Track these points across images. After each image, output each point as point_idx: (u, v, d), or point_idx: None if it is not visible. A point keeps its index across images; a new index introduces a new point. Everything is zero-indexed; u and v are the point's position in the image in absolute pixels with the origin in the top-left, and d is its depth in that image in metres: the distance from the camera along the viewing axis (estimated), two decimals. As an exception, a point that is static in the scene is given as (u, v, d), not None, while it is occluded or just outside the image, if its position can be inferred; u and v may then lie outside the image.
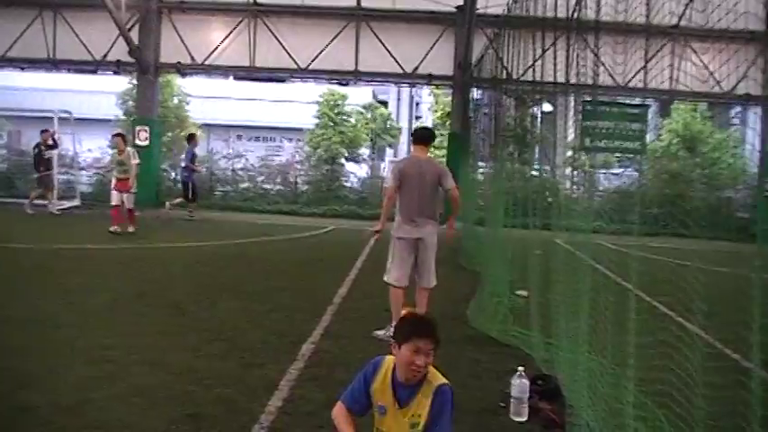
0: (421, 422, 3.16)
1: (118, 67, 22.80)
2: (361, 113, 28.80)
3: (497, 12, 15.69)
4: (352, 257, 12.41)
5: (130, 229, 14.28)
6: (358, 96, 29.25)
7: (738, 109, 25.88)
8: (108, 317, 7.21)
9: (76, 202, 20.48)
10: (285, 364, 5.72)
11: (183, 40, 22.25)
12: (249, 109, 32.24)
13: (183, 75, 23.84)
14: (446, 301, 8.29)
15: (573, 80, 5.70)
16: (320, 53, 22.01)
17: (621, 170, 24.67)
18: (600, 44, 5.19)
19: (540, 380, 5.17)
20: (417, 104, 39.40)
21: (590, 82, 5.28)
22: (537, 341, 6.26)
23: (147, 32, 21.90)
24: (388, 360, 3.31)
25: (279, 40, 22.08)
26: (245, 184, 24.55)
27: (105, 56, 22.29)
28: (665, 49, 18.77)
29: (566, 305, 5.23)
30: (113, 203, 14.29)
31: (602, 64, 5.34)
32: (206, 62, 22.51)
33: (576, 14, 5.75)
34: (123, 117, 25.60)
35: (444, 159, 21.27)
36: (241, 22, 22.22)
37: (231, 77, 29.29)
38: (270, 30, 22.15)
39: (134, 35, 21.48)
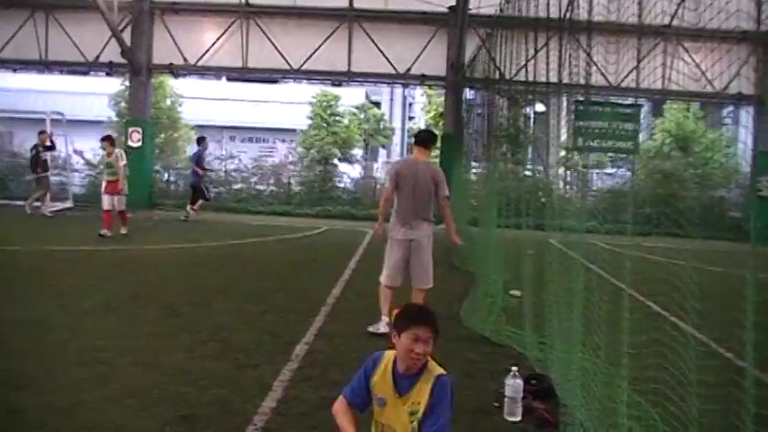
0: (420, 409, 3.21)
1: (110, 69, 22.78)
2: (354, 114, 28.81)
3: (490, 12, 15.74)
4: (346, 258, 12.41)
5: (123, 230, 14.22)
6: (351, 97, 29.26)
7: (731, 108, 25.96)
8: (101, 318, 7.18)
9: (69, 204, 20.41)
10: (279, 365, 5.71)
11: (175, 42, 22.20)
12: (242, 110, 32.16)
13: (176, 76, 23.83)
14: (440, 301, 8.28)
15: (565, 80, 5.71)
16: (313, 54, 21.99)
17: (614, 170, 24.76)
18: (592, 44, 5.21)
19: (534, 379, 5.18)
20: (410, 105, 39.44)
21: (582, 82, 5.29)
22: (530, 341, 6.26)
23: (140, 33, 21.83)
24: (389, 354, 3.38)
25: (271, 41, 22.05)
26: (239, 185, 24.49)
27: (97, 57, 22.23)
28: (657, 48, 18.80)
29: (559, 305, 5.23)
30: (104, 208, 14.23)
31: (595, 64, 5.36)
32: (198, 63, 22.47)
33: (568, 14, 5.76)
34: (116, 118, 25.54)
35: (438, 160, 21.26)
36: (233, 23, 22.18)
37: (224, 78, 29.34)
38: (262, 30, 22.13)
39: (126, 36, 21.40)
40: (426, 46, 21.87)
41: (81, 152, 18.56)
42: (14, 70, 24.12)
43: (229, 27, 22.23)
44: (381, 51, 21.88)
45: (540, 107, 9.65)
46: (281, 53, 22.04)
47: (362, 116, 29.81)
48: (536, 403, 4.83)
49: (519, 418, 4.73)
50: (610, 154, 21.57)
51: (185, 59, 22.38)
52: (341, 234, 17.41)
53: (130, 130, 21.94)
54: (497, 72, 11.35)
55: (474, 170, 16.10)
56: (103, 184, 14.52)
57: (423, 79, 22.55)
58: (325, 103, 26.61)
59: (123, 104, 24.64)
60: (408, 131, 36.66)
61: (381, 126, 31.53)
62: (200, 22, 22.51)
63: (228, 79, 30.03)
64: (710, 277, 3.49)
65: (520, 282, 7.67)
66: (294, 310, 8.01)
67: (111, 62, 22.17)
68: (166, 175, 24.82)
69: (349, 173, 26.23)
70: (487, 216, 9.97)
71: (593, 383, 4.19)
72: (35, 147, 18.46)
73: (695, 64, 16.63)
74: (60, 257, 11.50)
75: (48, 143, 18.41)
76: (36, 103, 25.97)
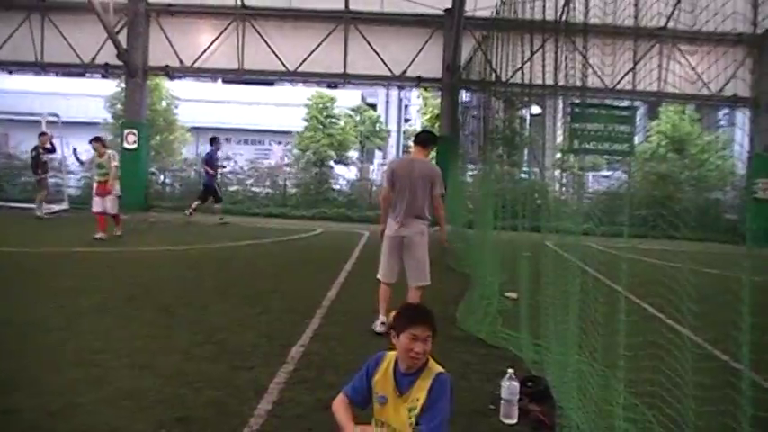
0: (418, 406, 3.30)
1: (106, 71, 22.78)
2: (350, 116, 28.85)
3: (486, 14, 15.74)
4: (342, 260, 12.40)
5: (117, 232, 14.19)
6: (347, 99, 29.29)
7: (726, 110, 25.99)
8: (97, 320, 7.16)
9: (65, 206, 20.36)
10: (275, 367, 5.70)
11: (171, 44, 22.19)
12: (238, 112, 32.19)
13: (172, 78, 23.83)
14: (435, 303, 8.26)
15: (561, 82, 5.73)
16: (309, 56, 22.00)
17: (610, 172, 24.77)
18: (588, 46, 5.21)
19: (530, 381, 5.17)
20: (406, 107, 39.47)
21: (578, 84, 5.30)
22: (526, 343, 6.27)
23: (136, 36, 21.80)
24: (390, 354, 3.49)
25: (267, 43, 22.06)
26: (234, 187, 24.45)
27: (93, 59, 22.22)
28: (653, 50, 18.84)
29: (555, 307, 5.24)
30: (95, 210, 14.15)
31: (591, 66, 5.36)
32: (194, 65, 22.45)
33: (564, 17, 5.77)
34: (111, 120, 25.50)
35: (434, 161, 21.25)
36: (229, 25, 22.17)
37: (220, 80, 29.36)
38: (258, 32, 22.13)
39: (122, 38, 21.37)
40: (422, 48, 21.89)
41: (77, 154, 18.46)
42: (10, 72, 24.06)
43: (225, 29, 22.21)
44: (377, 53, 21.89)
45: (535, 109, 9.64)
46: (276, 55, 22.03)
47: (358, 118, 29.86)
48: (532, 405, 4.83)
49: (515, 421, 4.72)
50: (605, 156, 21.55)
51: (181, 61, 22.36)
52: (337, 236, 17.40)
53: (126, 131, 21.90)
54: (493, 74, 11.36)
55: (470, 172, 16.08)
56: (94, 186, 14.45)
57: (419, 81, 22.56)
58: (320, 105, 26.63)
59: (119, 106, 24.63)
60: (404, 133, 36.70)
61: (377, 128, 31.57)
62: (195, 24, 22.47)
63: (224, 81, 30.07)
64: (706, 279, 3.49)
65: (515, 284, 7.67)
66: (290, 312, 7.99)
67: (106, 64, 22.16)
68: (162, 177, 24.79)
69: (345, 175, 26.25)
70: (483, 218, 9.97)
71: (589, 386, 4.19)
72: (35, 149, 18.38)
73: (691, 66, 16.69)
74: (56, 259, 11.47)
75: (48, 145, 18.35)
76: (32, 104, 25.96)
